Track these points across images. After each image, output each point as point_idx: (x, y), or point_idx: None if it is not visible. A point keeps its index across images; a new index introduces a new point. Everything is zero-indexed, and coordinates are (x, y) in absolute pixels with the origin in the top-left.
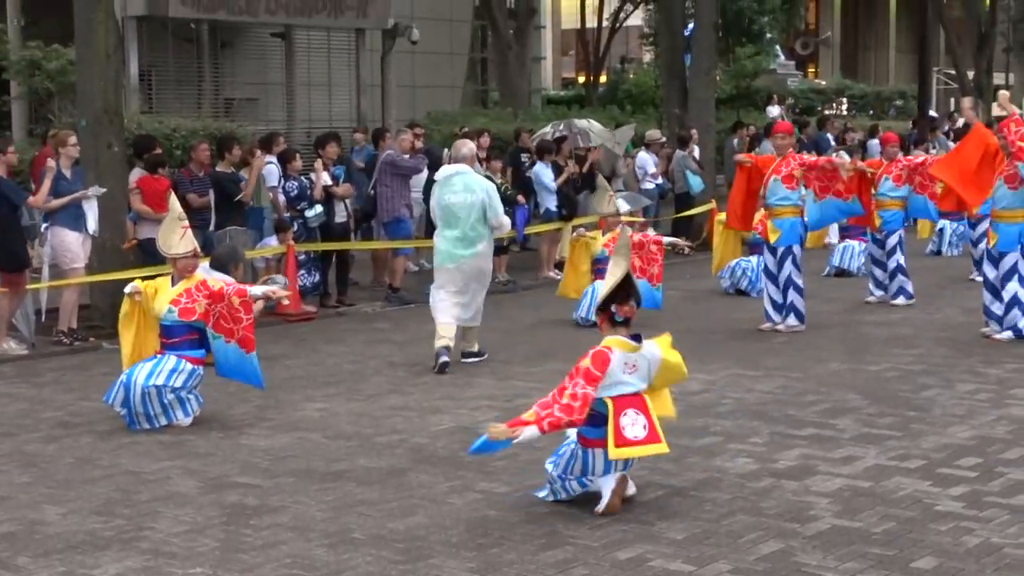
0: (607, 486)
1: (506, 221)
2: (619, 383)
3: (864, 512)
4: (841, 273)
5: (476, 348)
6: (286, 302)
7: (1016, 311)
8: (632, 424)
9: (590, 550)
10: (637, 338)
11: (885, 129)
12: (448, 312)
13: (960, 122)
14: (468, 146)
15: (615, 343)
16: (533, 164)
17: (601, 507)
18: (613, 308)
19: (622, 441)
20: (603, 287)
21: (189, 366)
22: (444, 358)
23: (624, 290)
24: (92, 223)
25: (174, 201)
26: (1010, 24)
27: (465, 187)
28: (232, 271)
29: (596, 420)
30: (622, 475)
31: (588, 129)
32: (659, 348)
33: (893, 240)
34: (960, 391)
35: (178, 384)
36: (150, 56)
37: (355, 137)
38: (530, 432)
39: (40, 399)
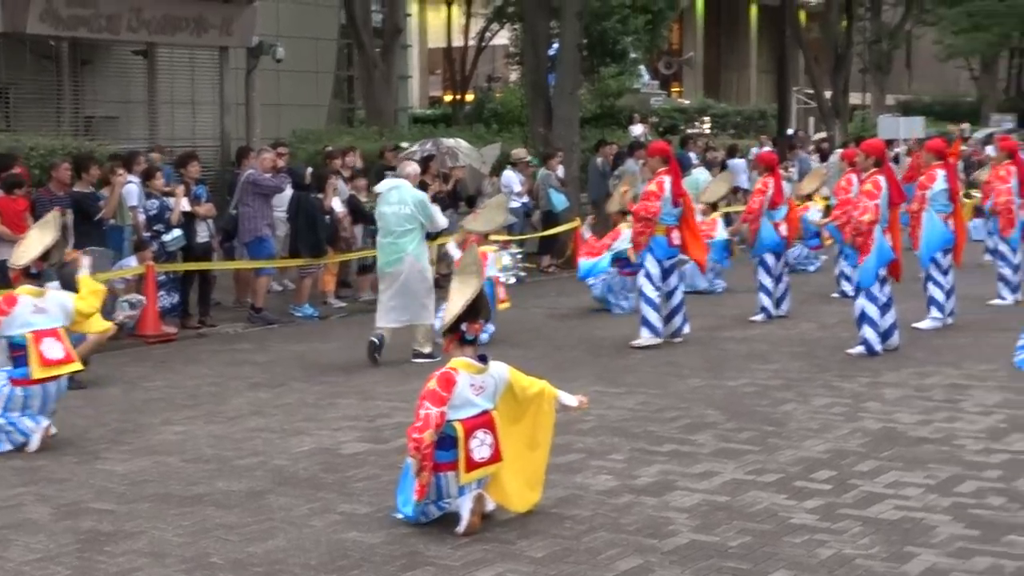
0: (465, 507)
1: (440, 221)
2: (467, 404)
3: (721, 526)
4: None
5: (428, 349)
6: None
7: (865, 326)
8: (480, 445)
9: (451, 570)
10: (483, 359)
11: (744, 148)
12: (381, 317)
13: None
14: (412, 166)
15: (461, 364)
16: None
17: (461, 528)
18: (463, 327)
19: (472, 465)
20: (452, 308)
21: (7, 388)
22: (374, 346)
23: (474, 308)
24: None
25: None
26: (866, 45)
27: (399, 199)
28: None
29: (447, 443)
30: (478, 493)
31: (455, 148)
32: (507, 369)
33: (756, 260)
34: (816, 405)
35: None
36: (8, 73)
37: (151, 156)
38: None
39: None
